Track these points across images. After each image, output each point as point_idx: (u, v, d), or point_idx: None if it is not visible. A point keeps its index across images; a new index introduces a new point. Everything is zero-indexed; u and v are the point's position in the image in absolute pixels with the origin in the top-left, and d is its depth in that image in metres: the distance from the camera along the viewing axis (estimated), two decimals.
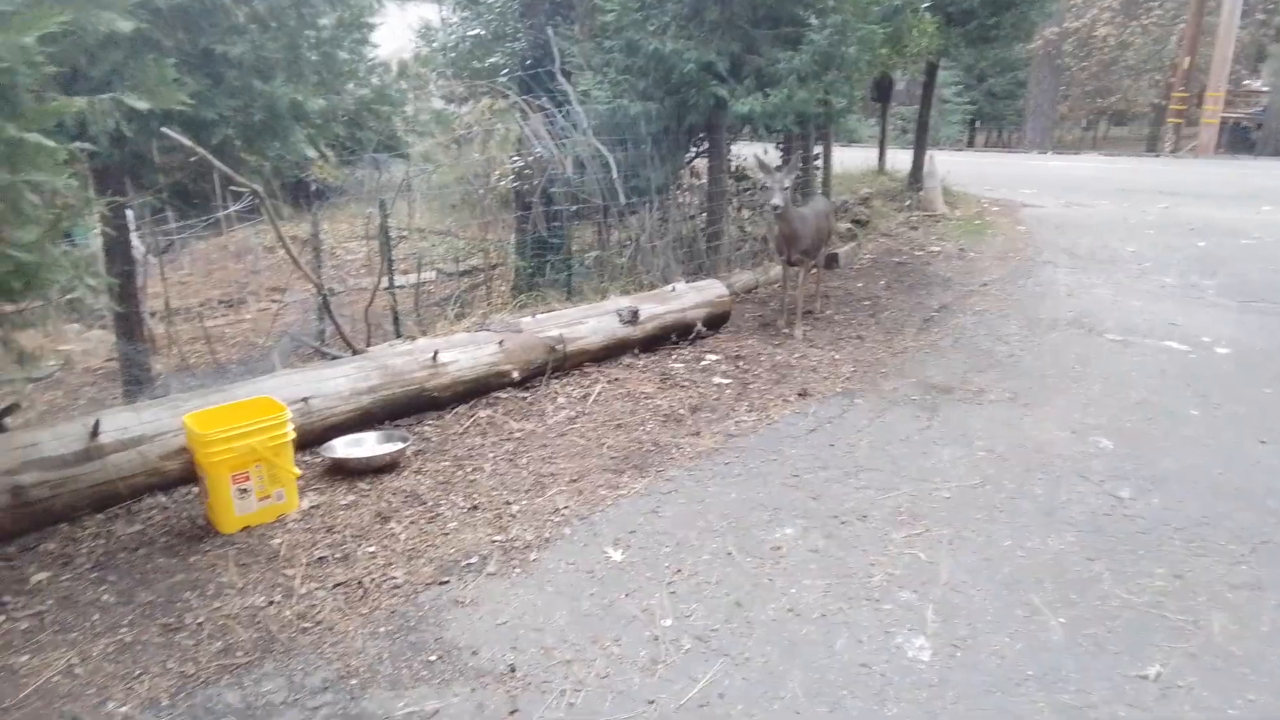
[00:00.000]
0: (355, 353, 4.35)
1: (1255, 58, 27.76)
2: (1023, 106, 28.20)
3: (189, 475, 3.44)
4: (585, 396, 4.72)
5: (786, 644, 2.57)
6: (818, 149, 8.75)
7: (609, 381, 4.95)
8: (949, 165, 12.48)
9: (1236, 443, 4.11)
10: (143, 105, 2.86)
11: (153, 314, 6.81)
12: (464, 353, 4.47)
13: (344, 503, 3.45)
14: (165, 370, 5.57)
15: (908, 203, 10.91)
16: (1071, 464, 3.89)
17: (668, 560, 3.03)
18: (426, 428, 4.25)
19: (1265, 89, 24.16)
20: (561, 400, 4.67)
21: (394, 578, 2.90)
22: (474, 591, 2.83)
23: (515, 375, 4.66)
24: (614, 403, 4.64)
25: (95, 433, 3.18)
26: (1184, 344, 5.70)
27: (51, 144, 2.24)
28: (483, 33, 7.53)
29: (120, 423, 3.30)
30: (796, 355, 5.47)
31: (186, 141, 3.27)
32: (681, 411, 4.49)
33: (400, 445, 3.80)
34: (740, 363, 5.33)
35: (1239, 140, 22.66)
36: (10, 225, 2.25)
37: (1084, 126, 34.19)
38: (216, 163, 3.42)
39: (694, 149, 7.96)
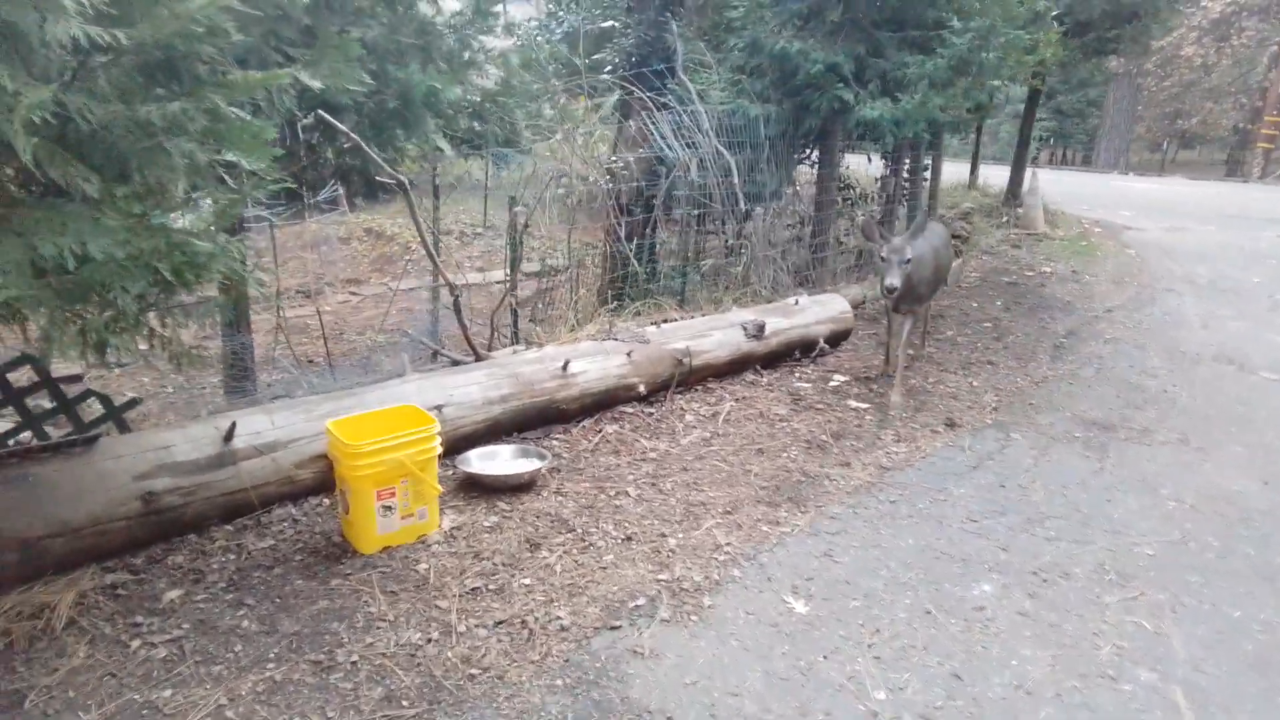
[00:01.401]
0: (479, 358, 4.07)
1: None
2: (1095, 125, 27.27)
3: (321, 485, 3.18)
4: (714, 415, 4.39)
5: None
6: (926, 161, 8.33)
7: (736, 400, 4.62)
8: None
9: None
10: (317, 85, 2.59)
11: None
12: (592, 363, 4.17)
13: (487, 524, 3.15)
14: (261, 362, 5.34)
15: (1005, 219, 10.43)
16: (1274, 521, 3.49)
17: (859, 617, 2.69)
18: (554, 442, 3.95)
19: None
20: (690, 418, 4.35)
21: (559, 618, 2.59)
22: (650, 641, 2.52)
23: (641, 389, 4.35)
24: (747, 424, 4.31)
25: (230, 436, 2.93)
26: None
27: (256, 122, 1.97)
28: (614, 24, 7.21)
29: (253, 426, 3.04)
30: (931, 380, 5.09)
31: (341, 127, 3.01)
32: (824, 438, 4.14)
33: (539, 463, 3.50)
34: (871, 385, 4.96)
35: None
36: (191, 208, 1.99)
37: (1151, 149, 33.02)
38: (368, 149, 3.16)
39: (797, 156, 7.59)
